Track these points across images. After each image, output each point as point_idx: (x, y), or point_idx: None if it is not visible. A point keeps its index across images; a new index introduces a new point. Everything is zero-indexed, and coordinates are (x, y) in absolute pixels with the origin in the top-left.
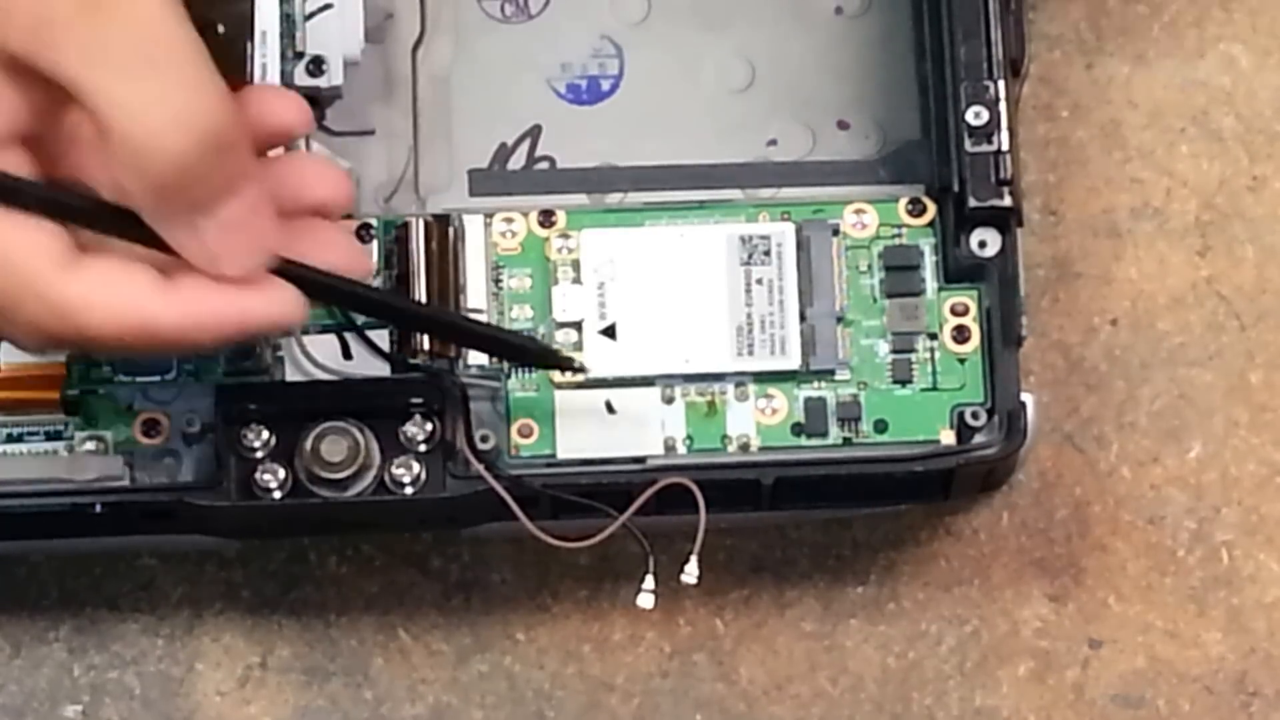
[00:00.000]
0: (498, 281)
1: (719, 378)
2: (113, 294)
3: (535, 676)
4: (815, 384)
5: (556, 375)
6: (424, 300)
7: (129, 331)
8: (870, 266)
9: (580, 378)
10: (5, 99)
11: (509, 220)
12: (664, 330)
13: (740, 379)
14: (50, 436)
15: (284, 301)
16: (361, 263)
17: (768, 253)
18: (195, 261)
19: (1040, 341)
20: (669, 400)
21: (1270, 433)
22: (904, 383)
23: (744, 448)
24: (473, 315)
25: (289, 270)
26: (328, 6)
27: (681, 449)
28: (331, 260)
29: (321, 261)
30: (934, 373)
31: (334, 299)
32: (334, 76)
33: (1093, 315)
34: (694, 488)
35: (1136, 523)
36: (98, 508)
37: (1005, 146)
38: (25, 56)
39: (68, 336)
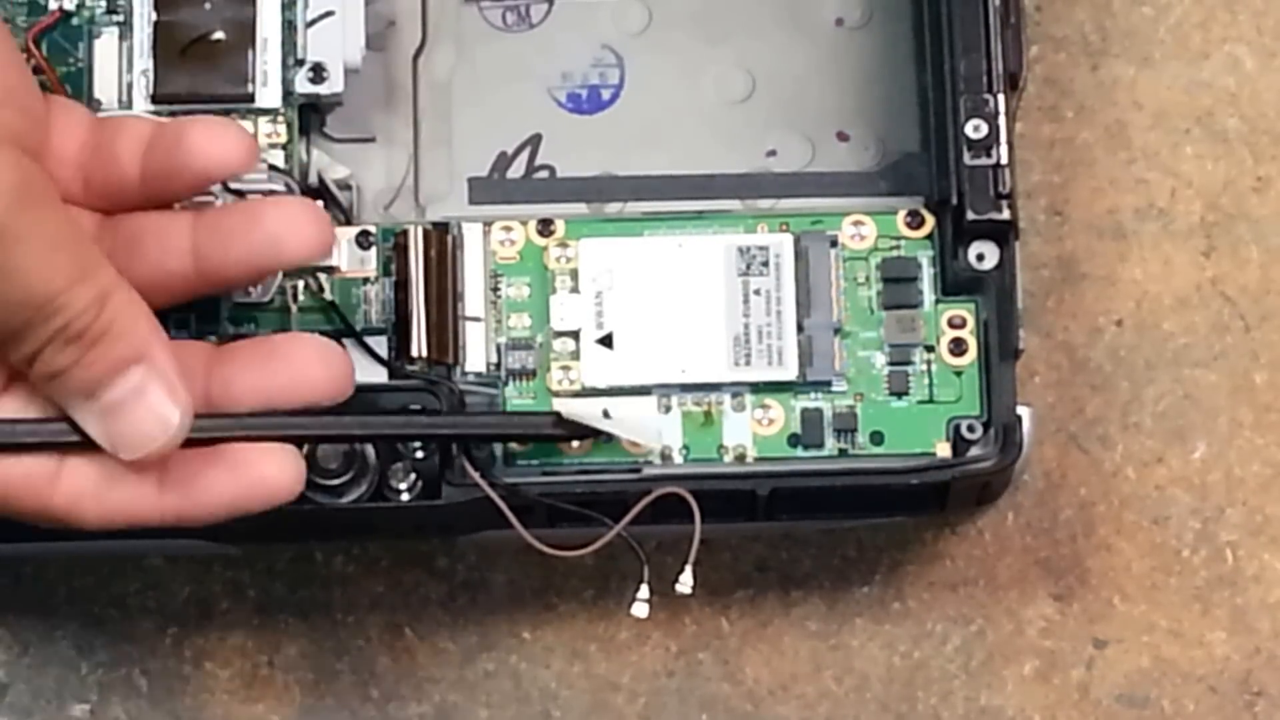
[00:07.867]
0: (496, 290)
1: (715, 388)
2: (96, 499)
3: (541, 675)
4: (812, 395)
5: (553, 383)
6: (423, 307)
7: (120, 524)
8: (868, 278)
9: (577, 385)
10: None
11: (508, 229)
12: (661, 340)
13: (737, 389)
14: None
15: (280, 468)
16: (342, 371)
17: (766, 263)
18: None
19: (1045, 342)
20: (665, 410)
21: (1275, 433)
22: (900, 395)
23: (740, 458)
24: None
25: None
26: (329, 14)
27: (677, 459)
28: (312, 376)
29: (300, 378)
30: (930, 385)
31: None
32: (335, 84)
33: (1097, 316)
34: (689, 498)
35: (1141, 523)
36: None
37: (1004, 160)
38: None
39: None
